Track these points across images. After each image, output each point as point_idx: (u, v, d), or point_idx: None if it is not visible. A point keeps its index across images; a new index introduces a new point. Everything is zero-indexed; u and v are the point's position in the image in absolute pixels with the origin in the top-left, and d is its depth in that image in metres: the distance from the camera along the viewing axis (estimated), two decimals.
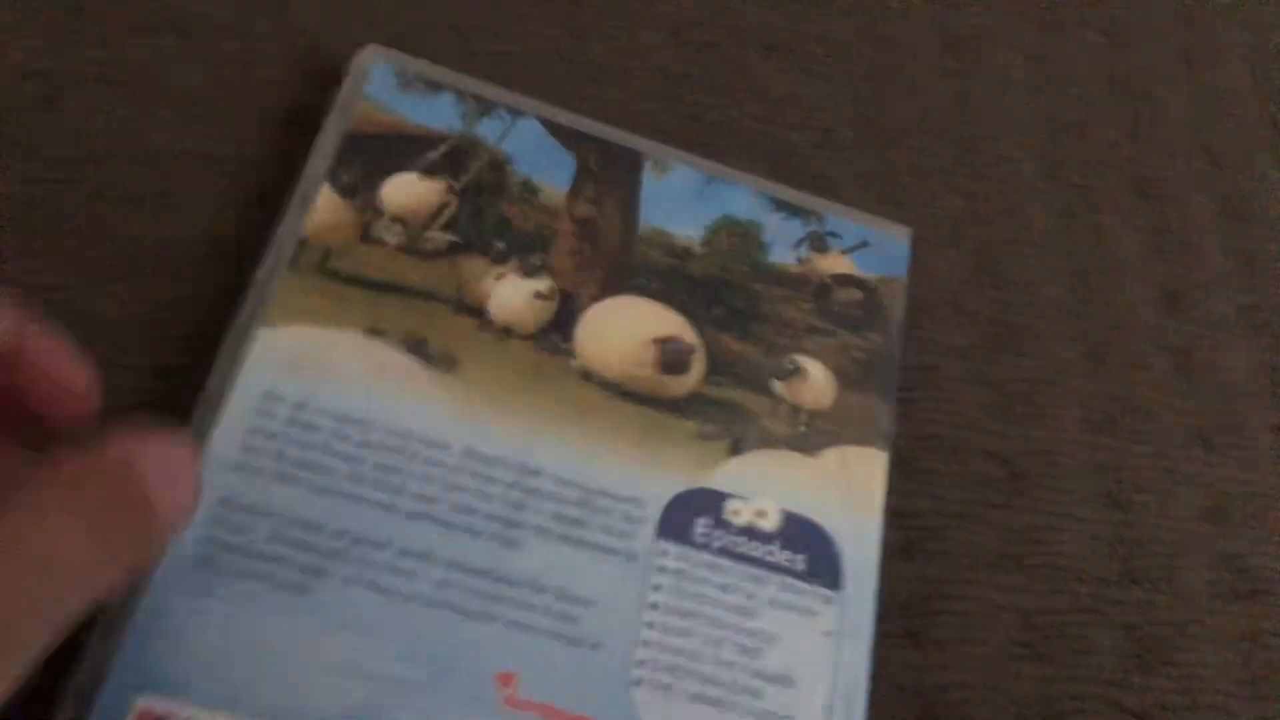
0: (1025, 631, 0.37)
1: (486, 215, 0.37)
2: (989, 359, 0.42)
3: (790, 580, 0.34)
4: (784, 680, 0.33)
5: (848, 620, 0.34)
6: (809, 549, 0.35)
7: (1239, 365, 0.45)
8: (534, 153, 0.39)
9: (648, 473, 0.35)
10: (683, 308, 0.38)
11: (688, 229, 0.39)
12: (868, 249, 0.41)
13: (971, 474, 0.40)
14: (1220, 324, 0.46)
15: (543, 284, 0.37)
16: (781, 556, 0.35)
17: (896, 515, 0.38)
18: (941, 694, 0.36)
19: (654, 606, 0.33)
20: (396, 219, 0.36)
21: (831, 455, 0.37)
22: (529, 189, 0.38)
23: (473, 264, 0.36)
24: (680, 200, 0.40)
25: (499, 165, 0.38)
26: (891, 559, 0.37)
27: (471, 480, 0.33)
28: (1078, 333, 0.44)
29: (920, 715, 0.35)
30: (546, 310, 0.36)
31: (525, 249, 0.37)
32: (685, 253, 0.39)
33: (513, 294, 0.36)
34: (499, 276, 0.36)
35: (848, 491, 0.36)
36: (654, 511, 0.34)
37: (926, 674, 0.36)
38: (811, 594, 0.34)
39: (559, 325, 0.36)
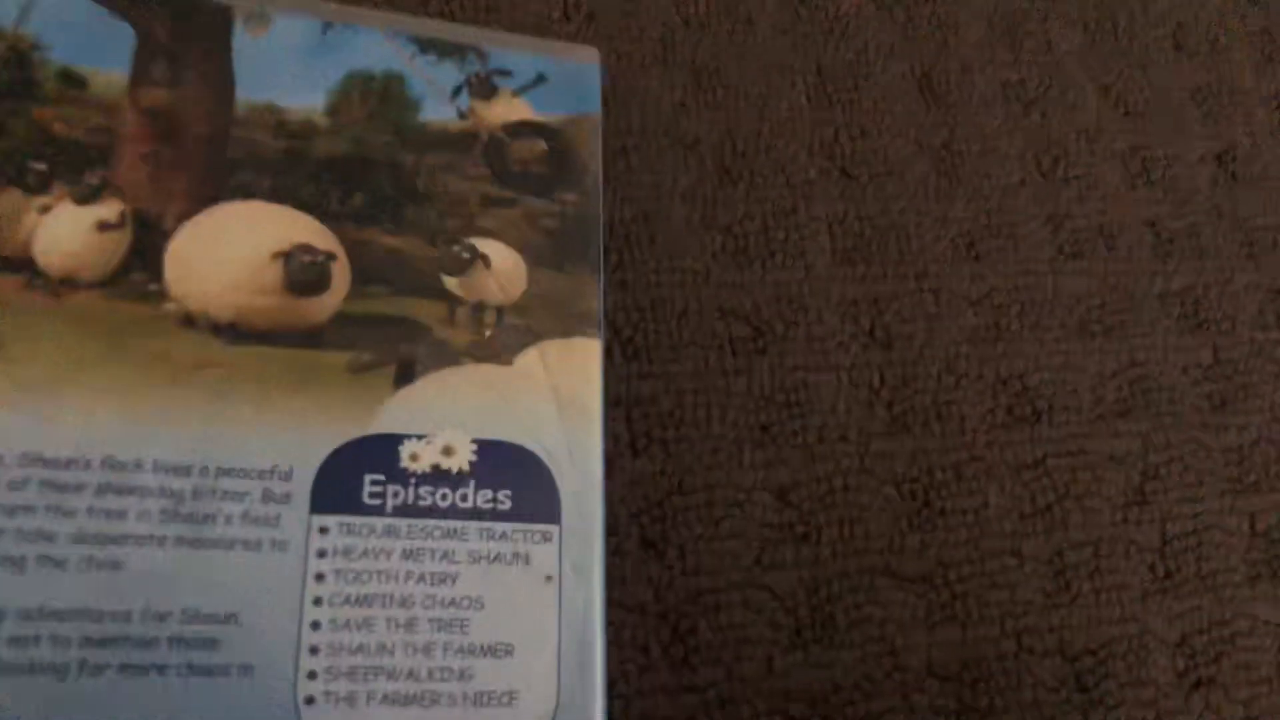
0: (782, 511, 0.33)
1: (10, 128, 0.28)
2: (717, 197, 0.35)
3: (494, 525, 0.28)
4: (499, 651, 0.27)
5: (572, 556, 0.29)
6: (514, 482, 0.29)
7: (1009, 153, 0.40)
8: (73, 30, 0.29)
9: (289, 433, 0.27)
10: (309, 204, 0.29)
11: (305, 97, 0.30)
12: (547, 85, 0.33)
13: (708, 339, 0.34)
14: (983, 106, 0.40)
15: (108, 209, 0.28)
16: (479, 499, 0.28)
17: (621, 407, 0.32)
18: (691, 606, 0.31)
19: (318, 602, 0.26)
20: None
21: (531, 357, 0.30)
22: (71, 81, 0.29)
23: (1, 200, 0.27)
24: (291, 61, 0.31)
25: (22, 54, 0.28)
26: (620, 460, 0.32)
27: (39, 495, 0.25)
28: (820, 145, 0.37)
29: (670, 637, 0.30)
30: (118, 243, 0.28)
31: (76, 166, 0.28)
32: (305, 129, 0.30)
33: (66, 230, 0.27)
34: (43, 209, 0.27)
35: (556, 398, 0.30)
36: (303, 481, 0.27)
37: (671, 587, 0.31)
38: (523, 536, 0.28)
39: (140, 260, 0.28)
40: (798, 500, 0.33)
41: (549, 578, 0.28)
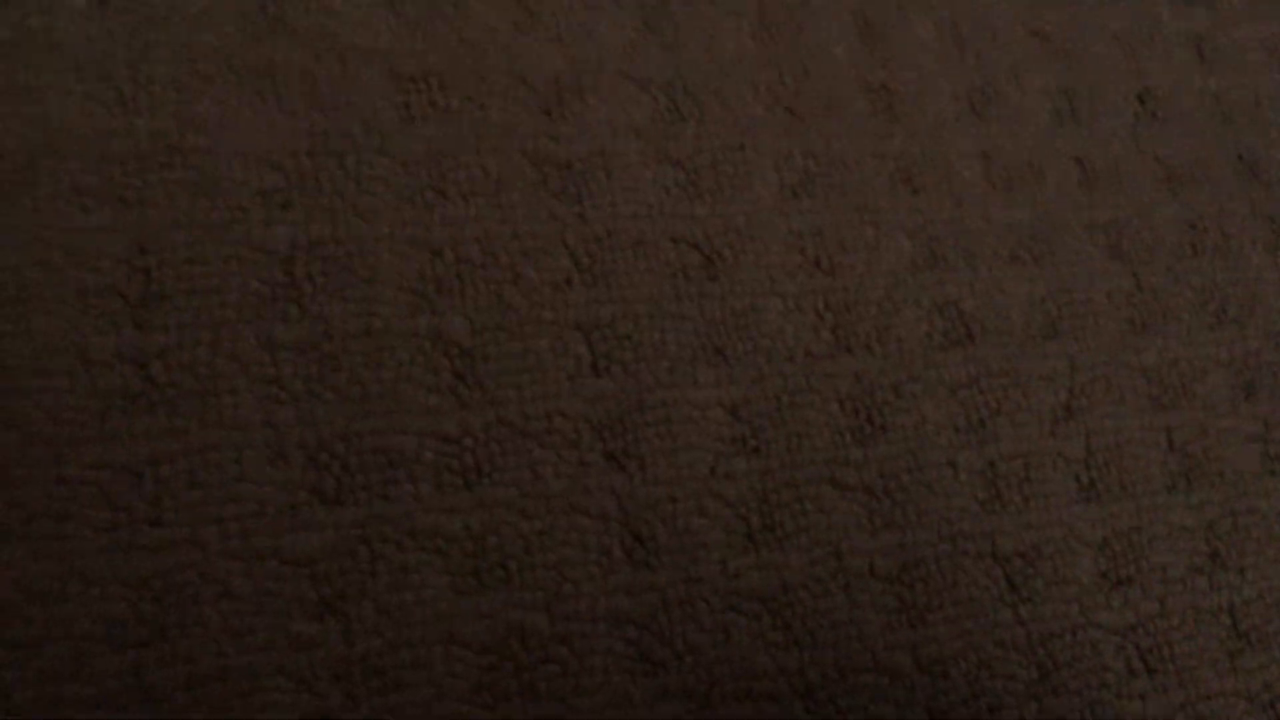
0: (734, 426, 0.35)
1: None
2: (668, 133, 0.37)
3: None
4: None
5: None
6: None
7: (943, 91, 0.42)
8: None
9: None
10: None
11: None
12: None
13: (661, 266, 0.36)
14: (920, 48, 0.42)
15: None
16: None
17: (582, 331, 0.34)
18: (650, 512, 0.33)
19: None
20: None
21: None
22: None
23: None
24: None
25: None
26: (583, 377, 0.33)
27: None
28: (766, 85, 0.39)
29: (632, 542, 0.33)
30: None
31: None
32: None
33: None
34: None
35: None
36: None
37: (632, 496, 0.33)
38: None
39: None
40: (748, 416, 0.35)
41: None
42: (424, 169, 0.34)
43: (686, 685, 0.32)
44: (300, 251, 0.32)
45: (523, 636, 0.31)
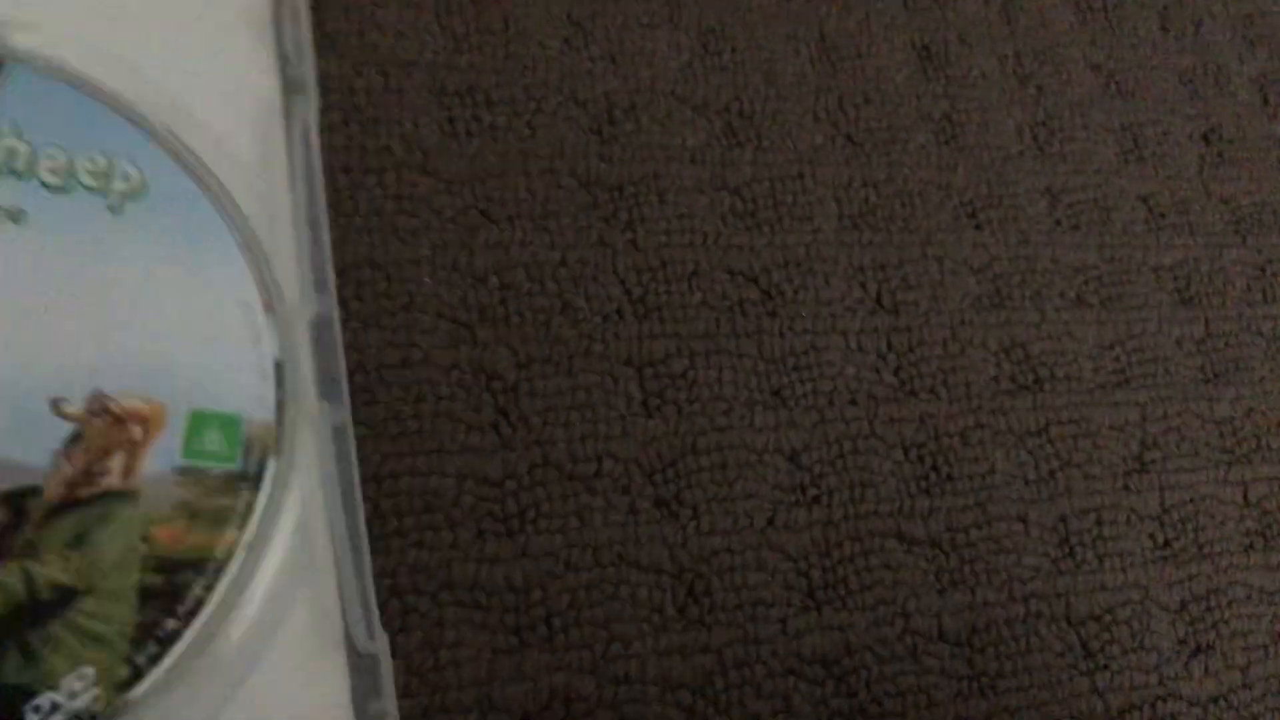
0: (794, 474, 0.32)
1: None
2: (725, 159, 0.35)
3: None
4: None
5: None
6: None
7: (1007, 124, 0.40)
8: None
9: None
10: None
11: None
12: None
13: (718, 300, 0.33)
14: (982, 80, 0.40)
15: None
16: None
17: (633, 367, 0.31)
18: (705, 565, 0.30)
19: None
20: None
21: None
22: None
23: None
24: None
25: None
26: (634, 417, 0.31)
27: None
28: (825, 111, 0.37)
29: (685, 597, 0.30)
30: None
31: None
32: None
33: None
34: None
35: None
36: None
37: (685, 546, 0.30)
38: None
39: None
40: (809, 463, 0.32)
41: None
42: (468, 189, 0.32)
43: None
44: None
45: (567, 701, 0.28)
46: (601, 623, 0.29)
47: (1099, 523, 0.35)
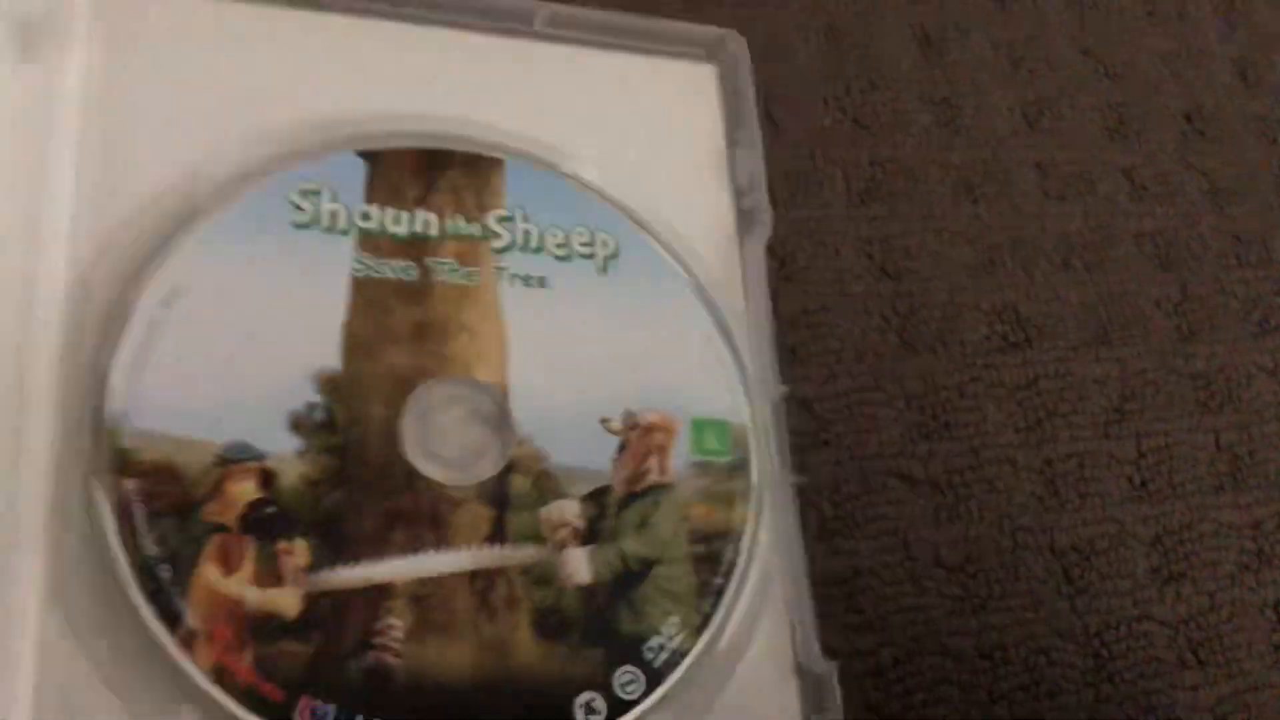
0: (808, 421, 0.37)
1: None
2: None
3: None
4: None
5: None
6: None
7: (1000, 105, 0.44)
8: None
9: None
10: None
11: None
12: None
13: None
14: (978, 64, 0.44)
15: None
16: None
17: None
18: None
19: None
20: None
21: None
22: None
23: None
24: None
25: None
26: None
27: None
28: (832, 97, 0.41)
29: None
30: None
31: None
32: None
33: None
34: None
35: None
36: None
37: None
38: None
39: None
40: (821, 411, 0.37)
41: None
42: None
43: None
44: None
45: None
46: None
47: (1081, 465, 0.39)
